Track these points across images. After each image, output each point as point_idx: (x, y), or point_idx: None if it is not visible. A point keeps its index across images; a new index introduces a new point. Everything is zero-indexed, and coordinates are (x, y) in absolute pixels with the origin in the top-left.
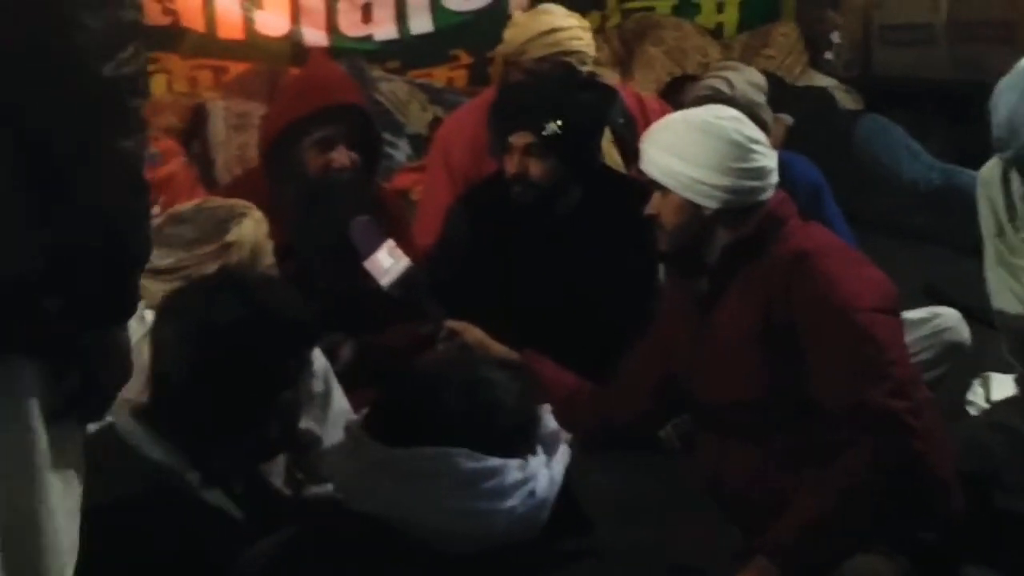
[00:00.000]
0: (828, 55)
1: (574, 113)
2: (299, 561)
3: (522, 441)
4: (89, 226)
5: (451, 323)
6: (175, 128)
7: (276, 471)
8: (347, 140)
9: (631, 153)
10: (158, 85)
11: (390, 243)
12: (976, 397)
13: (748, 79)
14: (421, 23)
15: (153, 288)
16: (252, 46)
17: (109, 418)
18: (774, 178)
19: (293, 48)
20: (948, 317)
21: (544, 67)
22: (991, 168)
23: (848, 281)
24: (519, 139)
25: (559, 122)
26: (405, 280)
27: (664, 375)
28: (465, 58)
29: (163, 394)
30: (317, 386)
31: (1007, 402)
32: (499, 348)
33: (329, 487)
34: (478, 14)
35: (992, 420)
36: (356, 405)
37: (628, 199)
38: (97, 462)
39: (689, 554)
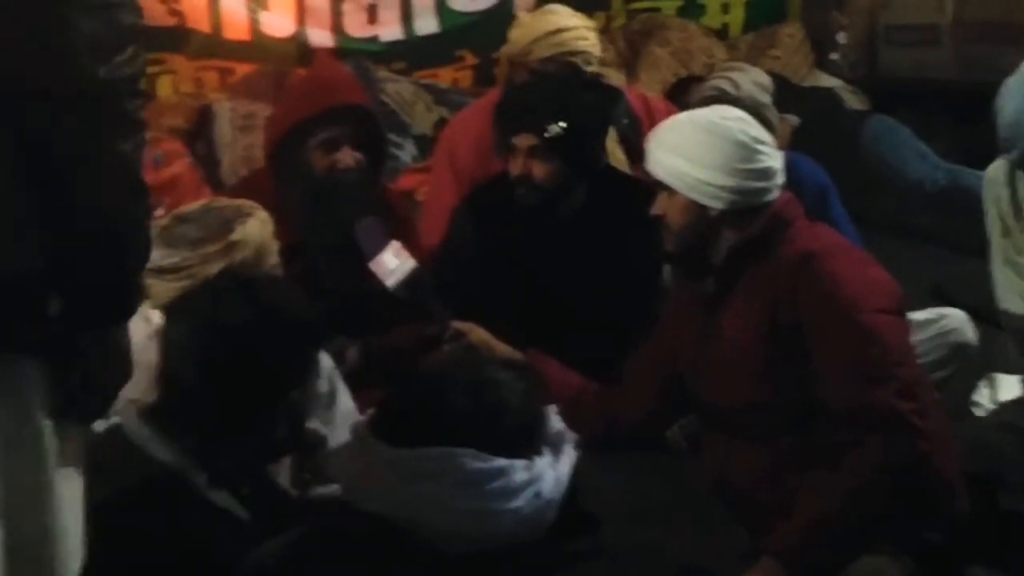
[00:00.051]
0: (834, 56)
1: (577, 114)
2: (306, 561)
3: (528, 442)
4: (87, 227)
5: (456, 324)
6: (181, 129)
7: (282, 471)
8: (352, 141)
9: (636, 154)
10: (164, 86)
11: (396, 244)
12: (982, 398)
13: (754, 80)
14: (427, 24)
15: (158, 287)
16: (258, 47)
17: (116, 418)
18: (780, 179)
19: (299, 49)
20: (954, 318)
21: (549, 67)
22: (997, 168)
23: (854, 282)
24: (522, 141)
25: (562, 124)
26: (410, 281)
27: (670, 376)
28: (470, 59)
29: (171, 394)
30: (322, 386)
31: (1013, 403)
32: (504, 348)
33: (335, 487)
34: (484, 15)
35: (998, 421)
36: (362, 406)
37: (633, 200)
38: (104, 462)
39: (695, 554)
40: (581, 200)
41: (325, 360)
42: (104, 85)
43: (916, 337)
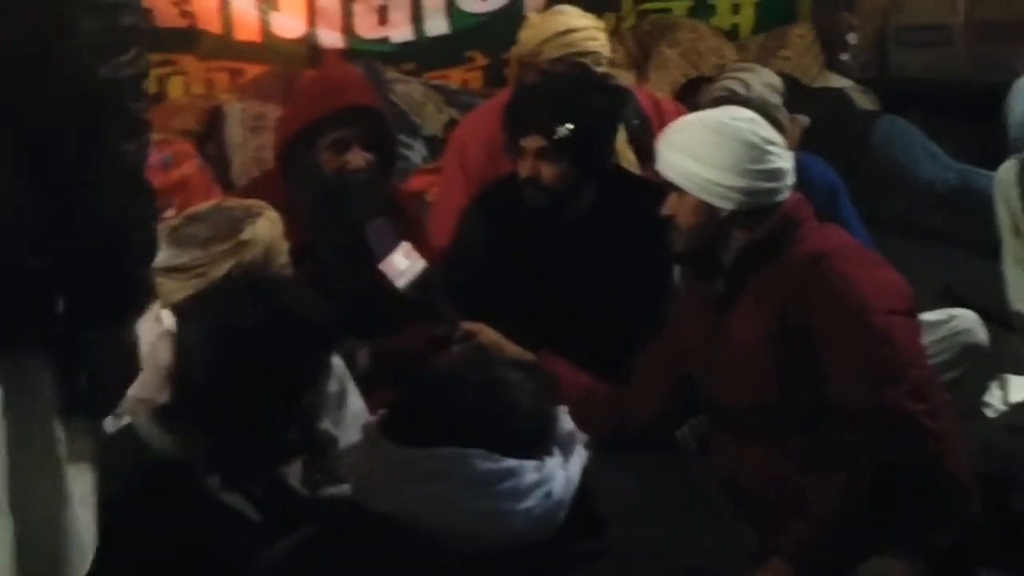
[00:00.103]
0: (844, 56)
1: (585, 116)
2: (316, 562)
3: (538, 442)
4: (90, 226)
5: (466, 324)
6: (191, 130)
7: (293, 471)
8: (362, 141)
9: (646, 154)
10: (175, 87)
11: (406, 245)
12: (993, 399)
13: (764, 80)
14: (437, 25)
15: (169, 286)
16: (268, 48)
17: (127, 418)
18: (790, 179)
19: (309, 50)
20: (965, 319)
21: (559, 68)
22: (1008, 169)
23: (865, 283)
24: (530, 143)
25: (570, 126)
26: (421, 281)
27: (679, 376)
28: (481, 60)
29: (184, 396)
30: (332, 386)
31: None
32: (514, 349)
33: (346, 488)
34: (494, 16)
35: (1009, 422)
36: (372, 407)
37: (643, 200)
38: (116, 462)
39: (705, 555)
40: (590, 201)
41: (336, 361)
42: (105, 85)
43: (927, 338)
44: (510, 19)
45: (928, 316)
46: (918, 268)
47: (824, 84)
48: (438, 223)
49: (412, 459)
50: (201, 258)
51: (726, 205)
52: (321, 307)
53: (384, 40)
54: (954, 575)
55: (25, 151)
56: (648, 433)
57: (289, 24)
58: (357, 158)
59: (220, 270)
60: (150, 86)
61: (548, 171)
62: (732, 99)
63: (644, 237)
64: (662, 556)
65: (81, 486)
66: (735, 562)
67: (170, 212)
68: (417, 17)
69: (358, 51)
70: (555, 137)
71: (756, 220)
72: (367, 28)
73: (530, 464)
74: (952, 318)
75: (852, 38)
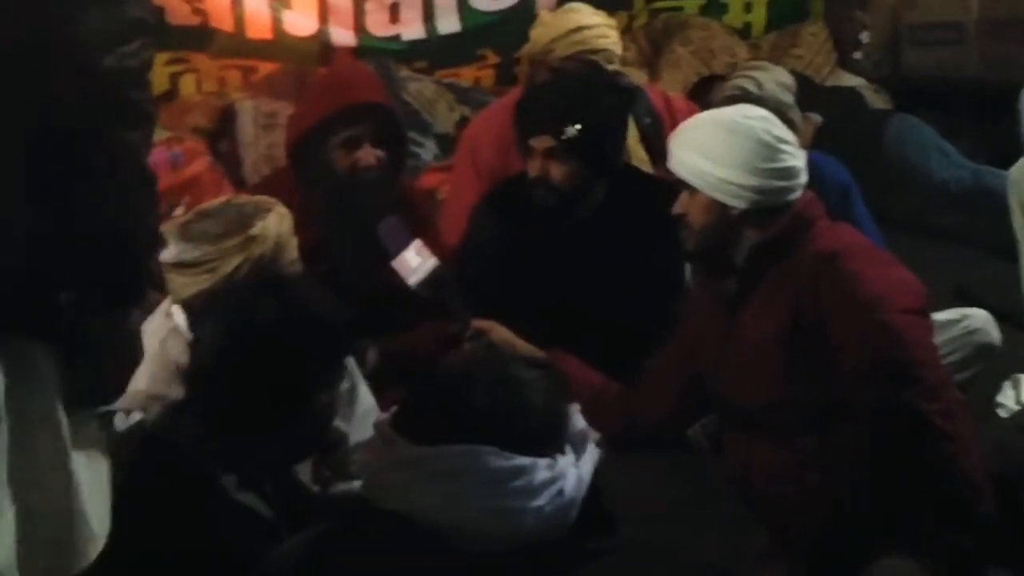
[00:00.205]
0: (857, 55)
1: (594, 116)
2: (327, 559)
3: (551, 440)
4: (94, 216)
5: (478, 322)
6: (204, 128)
7: (303, 468)
8: (373, 139)
9: (658, 153)
10: (187, 85)
11: (418, 242)
12: (1006, 399)
13: (776, 79)
14: (449, 23)
15: (178, 282)
16: (280, 46)
17: (137, 415)
18: (803, 178)
19: (321, 48)
20: (978, 318)
21: (571, 66)
22: (1021, 167)
23: (877, 282)
24: (540, 143)
25: (578, 126)
26: (433, 279)
27: (691, 375)
28: (492, 58)
29: (199, 394)
30: (343, 383)
31: None
32: (526, 347)
33: (356, 485)
34: (505, 14)
35: (1022, 422)
36: (383, 405)
37: (654, 199)
38: (129, 460)
39: (716, 554)
40: (600, 200)
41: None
42: (109, 74)
43: (939, 337)
44: (522, 17)
45: (941, 316)
46: (931, 267)
47: (836, 83)
48: (450, 221)
49: (424, 456)
50: (211, 253)
51: (738, 204)
52: (336, 306)
53: (396, 38)
54: (966, 575)
55: (32, 140)
56: (659, 432)
57: (301, 22)
58: (368, 156)
59: (230, 265)
60: (162, 84)
61: (557, 171)
62: (744, 98)
63: (655, 236)
64: (673, 555)
65: (89, 473)
66: (746, 561)
67: (179, 210)
68: (429, 15)
69: (370, 49)
70: (564, 137)
71: (768, 219)
72: (379, 26)
73: (542, 462)
74: (965, 317)
75: (865, 36)
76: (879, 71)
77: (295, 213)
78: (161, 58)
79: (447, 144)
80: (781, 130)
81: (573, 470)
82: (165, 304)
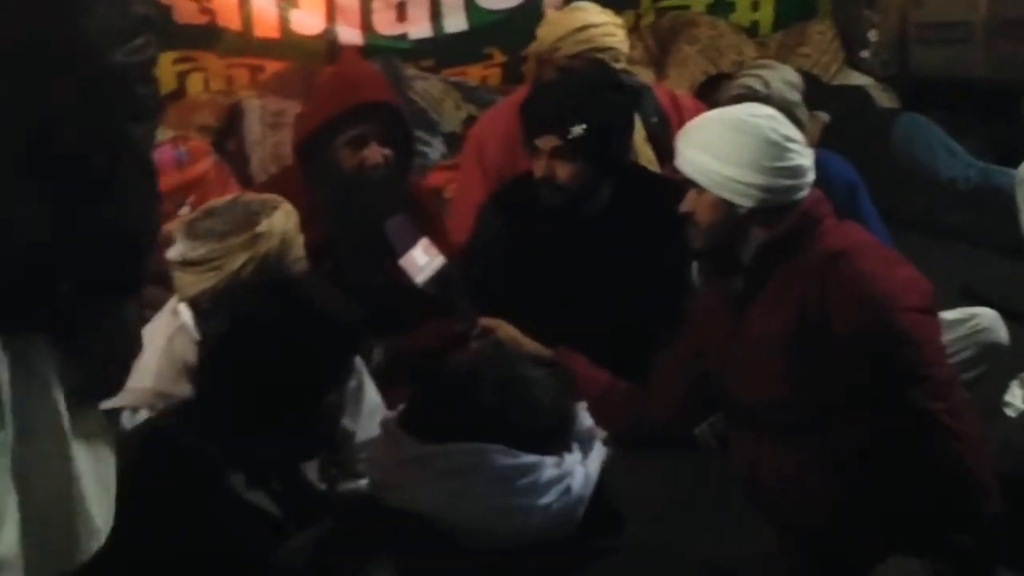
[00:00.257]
0: (864, 53)
1: (600, 115)
2: (334, 556)
3: (558, 438)
4: (98, 208)
5: (485, 320)
6: (211, 126)
7: (310, 466)
8: (380, 138)
9: (665, 151)
10: (195, 83)
11: (425, 241)
12: (1014, 398)
13: (784, 78)
14: (455, 22)
15: (185, 280)
16: (288, 45)
17: (145, 413)
18: (810, 177)
19: (328, 47)
20: (985, 317)
21: (577, 64)
22: None
23: (885, 280)
24: (545, 143)
25: (584, 125)
26: (440, 277)
27: (698, 374)
28: (499, 56)
29: (209, 392)
30: (350, 382)
31: None
32: (533, 345)
33: (363, 483)
34: (512, 12)
35: None
36: (389, 404)
37: (660, 197)
38: (138, 458)
39: (723, 553)
40: (606, 199)
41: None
42: (116, 69)
43: (947, 336)
44: (528, 16)
45: (948, 314)
46: (938, 266)
47: (844, 81)
48: (456, 220)
49: (431, 454)
50: (217, 251)
51: (745, 202)
52: (346, 305)
53: (403, 37)
54: (973, 575)
55: (38, 132)
56: (666, 430)
57: (308, 21)
58: (375, 154)
59: (236, 262)
60: (170, 83)
61: (563, 171)
62: (751, 96)
63: (662, 234)
64: (680, 554)
65: (91, 466)
66: (753, 560)
67: (185, 209)
68: (436, 14)
69: (377, 48)
70: (569, 137)
71: (775, 217)
72: (386, 25)
73: (549, 460)
74: (972, 316)
75: (872, 35)
76: (887, 70)
77: (302, 212)
78: (168, 57)
79: (454, 143)
80: (788, 129)
81: (580, 468)
82: (172, 302)
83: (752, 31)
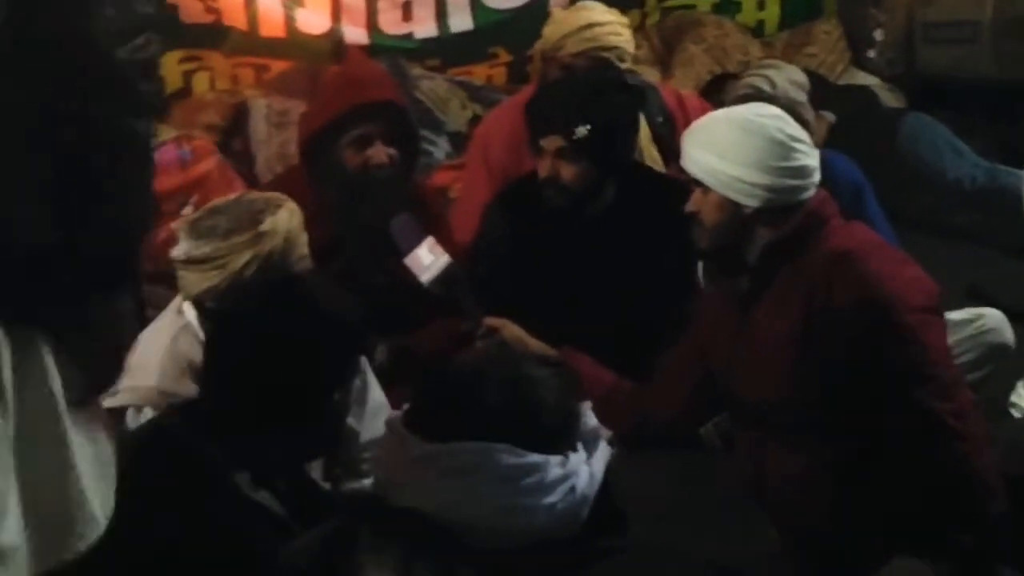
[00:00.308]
0: (871, 53)
1: (604, 116)
2: (338, 556)
3: (563, 438)
4: (100, 203)
5: (490, 320)
6: (216, 125)
7: (314, 466)
8: (385, 137)
9: (671, 151)
10: (200, 82)
11: (430, 240)
12: (1020, 399)
13: (790, 77)
14: (461, 21)
15: (189, 278)
16: (293, 44)
17: (149, 411)
18: (816, 177)
19: (334, 46)
20: (992, 318)
21: (581, 62)
22: None
23: (891, 280)
24: (550, 143)
25: (588, 126)
26: (445, 277)
27: (703, 374)
28: (505, 56)
29: (214, 392)
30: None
31: None
32: (538, 345)
33: (367, 482)
34: (517, 12)
35: None
36: (392, 403)
37: (665, 197)
38: (142, 458)
39: (727, 553)
40: (611, 199)
41: None
42: (122, 67)
43: (953, 337)
44: (534, 15)
45: (954, 315)
46: (944, 266)
47: (850, 81)
48: (462, 219)
49: (436, 454)
50: (221, 249)
51: (751, 202)
52: (352, 305)
53: (408, 36)
54: (979, 575)
55: (40, 132)
56: (671, 430)
57: (314, 20)
58: (380, 154)
59: (240, 261)
60: (176, 82)
61: (567, 171)
62: (757, 96)
63: (666, 234)
64: (685, 554)
65: (89, 457)
66: (758, 560)
67: (188, 209)
68: (441, 13)
69: (382, 47)
70: (574, 138)
71: (781, 217)
72: (391, 24)
73: (554, 459)
74: (979, 317)
75: (879, 35)
76: (893, 69)
77: (307, 211)
78: (174, 56)
79: (459, 142)
80: (794, 129)
81: (585, 468)
82: (176, 301)
83: (758, 31)
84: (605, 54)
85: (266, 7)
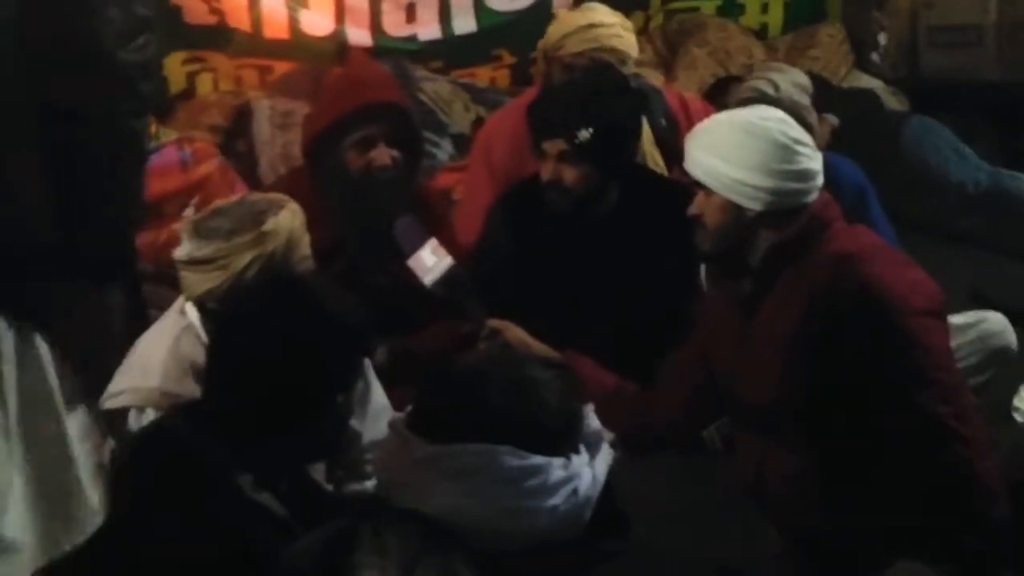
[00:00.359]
0: (874, 56)
1: (606, 119)
2: (341, 557)
3: (565, 440)
4: (102, 200)
5: (492, 322)
6: (220, 127)
7: (316, 467)
8: (388, 139)
9: (674, 154)
10: (204, 84)
11: (433, 242)
12: (1022, 403)
13: (793, 80)
14: (464, 23)
15: (192, 279)
16: (297, 46)
17: (152, 413)
18: (819, 180)
19: (338, 48)
20: (994, 321)
21: (581, 62)
22: None
23: (894, 284)
24: (552, 146)
25: (591, 130)
26: (448, 278)
27: (705, 377)
28: (508, 58)
29: (217, 394)
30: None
31: None
32: (540, 347)
33: (369, 484)
34: (521, 14)
35: None
36: (394, 405)
37: (668, 200)
38: (145, 459)
39: (729, 555)
40: (614, 202)
41: None
42: (123, 65)
43: (955, 341)
44: (537, 17)
45: (957, 319)
46: (947, 270)
47: (854, 84)
48: (464, 221)
49: (438, 455)
50: (223, 249)
51: (754, 205)
52: (354, 306)
53: (412, 38)
54: None
55: (47, 129)
56: (673, 433)
57: (318, 22)
58: (383, 155)
59: (242, 261)
60: (180, 83)
61: (570, 174)
62: (761, 99)
63: (669, 237)
64: (687, 556)
65: (85, 449)
66: (759, 562)
67: (189, 211)
68: (445, 15)
69: (386, 49)
70: (576, 141)
71: (784, 220)
72: (395, 26)
73: (557, 461)
74: (982, 321)
75: (882, 38)
76: (896, 73)
77: (310, 212)
78: (178, 57)
79: (463, 144)
80: (797, 132)
81: (588, 470)
82: (179, 301)
83: (762, 34)
84: (605, 56)
85: (270, 9)
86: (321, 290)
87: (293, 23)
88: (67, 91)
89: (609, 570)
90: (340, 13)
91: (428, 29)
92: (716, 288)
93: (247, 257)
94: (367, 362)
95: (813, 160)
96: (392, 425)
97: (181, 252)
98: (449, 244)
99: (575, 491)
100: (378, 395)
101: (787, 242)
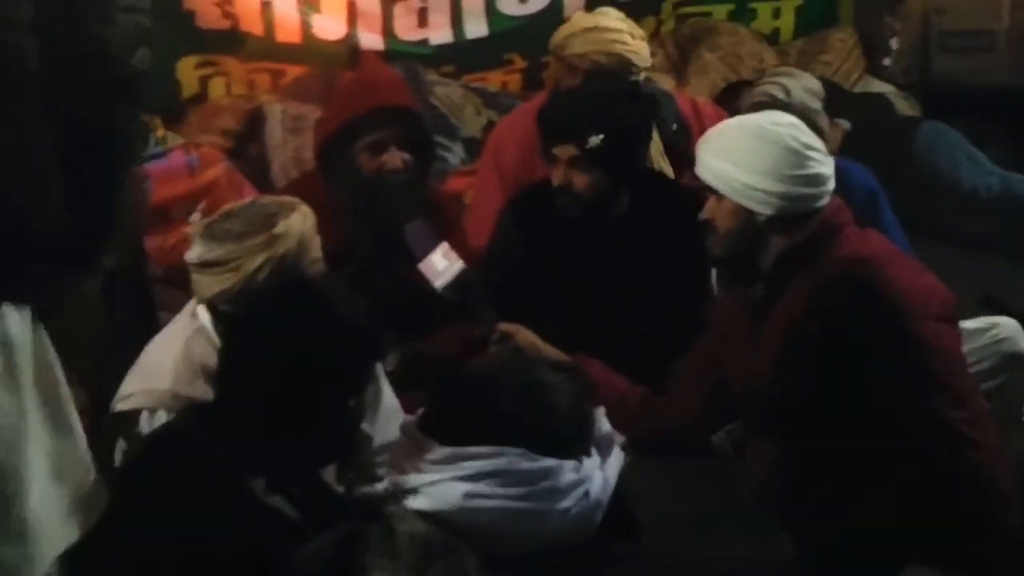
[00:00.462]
0: (886, 61)
1: (617, 125)
2: (351, 559)
3: (577, 443)
4: (104, 199)
5: (504, 325)
6: (232, 130)
7: (328, 469)
8: (399, 142)
9: (685, 159)
10: (216, 88)
11: (444, 245)
12: None
13: (804, 85)
14: (476, 27)
15: (203, 281)
16: (309, 50)
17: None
18: (830, 185)
19: (350, 52)
20: (1006, 327)
21: (585, 65)
22: None
23: (906, 289)
24: (563, 152)
25: (601, 135)
26: (459, 282)
27: (716, 381)
28: (519, 62)
29: (230, 397)
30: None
31: None
32: (551, 351)
33: (379, 487)
34: (533, 18)
35: None
36: (405, 408)
37: (679, 205)
38: (157, 461)
39: (738, 560)
40: (624, 207)
41: None
42: (132, 73)
43: (967, 346)
44: (549, 22)
45: (969, 324)
46: (959, 275)
47: (865, 89)
48: (475, 225)
49: (450, 458)
50: (235, 252)
51: (765, 210)
52: (369, 311)
53: (423, 42)
54: None
55: (62, 128)
56: (684, 437)
57: (330, 26)
58: (394, 159)
59: (253, 264)
60: (192, 87)
61: (580, 180)
62: (772, 104)
63: (680, 242)
64: (697, 560)
65: (51, 453)
66: (769, 567)
67: (196, 216)
68: (457, 19)
69: (398, 53)
70: (587, 147)
71: (795, 225)
72: (407, 30)
73: (568, 464)
74: (993, 326)
75: (894, 43)
76: (908, 78)
77: (322, 216)
78: (191, 61)
79: (474, 148)
80: (809, 137)
81: (599, 473)
82: (190, 304)
83: (773, 38)
84: (608, 60)
85: (282, 13)
86: (332, 293)
87: (305, 27)
88: (82, 91)
89: (620, 573)
90: (352, 17)
91: (440, 33)
92: (727, 292)
93: (258, 259)
94: (378, 365)
95: (824, 165)
96: (404, 428)
97: (192, 254)
98: (460, 248)
99: (586, 494)
100: (388, 397)
101: (798, 247)
